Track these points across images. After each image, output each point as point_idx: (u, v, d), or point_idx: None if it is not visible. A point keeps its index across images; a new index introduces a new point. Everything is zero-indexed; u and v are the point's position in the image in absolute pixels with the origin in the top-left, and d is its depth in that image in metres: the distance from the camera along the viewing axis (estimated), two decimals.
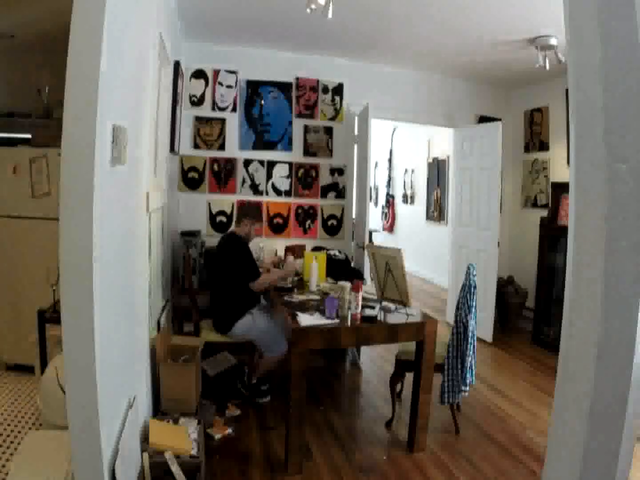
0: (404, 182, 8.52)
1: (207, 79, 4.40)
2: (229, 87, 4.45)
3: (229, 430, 2.74)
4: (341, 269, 3.76)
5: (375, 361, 4.12)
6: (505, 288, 5.01)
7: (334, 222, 4.81)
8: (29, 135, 4.02)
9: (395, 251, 2.74)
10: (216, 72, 4.42)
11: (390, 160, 9.07)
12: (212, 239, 4.22)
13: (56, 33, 2.23)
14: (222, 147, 4.48)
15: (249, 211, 3.31)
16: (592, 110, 1.16)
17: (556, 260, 4.44)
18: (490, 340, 4.59)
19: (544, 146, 5.08)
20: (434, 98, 5.09)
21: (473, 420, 3.05)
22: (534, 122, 5.21)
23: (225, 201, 4.51)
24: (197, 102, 4.39)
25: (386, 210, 9.20)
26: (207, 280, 3.84)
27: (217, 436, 2.67)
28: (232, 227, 3.29)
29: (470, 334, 2.73)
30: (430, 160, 7.51)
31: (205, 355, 3.15)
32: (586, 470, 1.18)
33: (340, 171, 4.78)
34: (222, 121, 4.46)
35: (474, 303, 2.77)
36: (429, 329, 2.58)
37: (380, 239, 8.79)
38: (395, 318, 2.65)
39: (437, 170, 7.26)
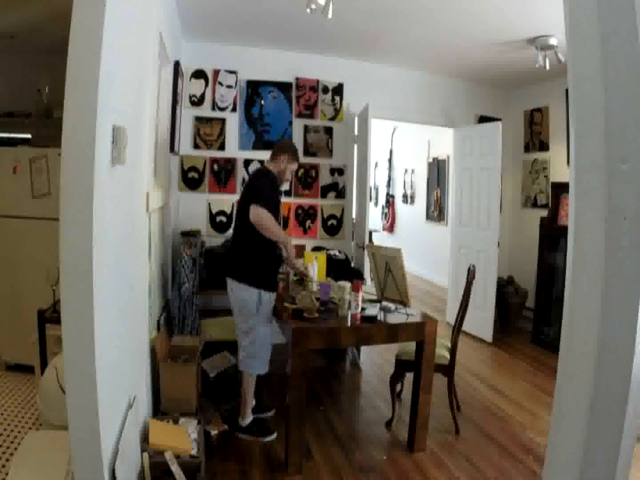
0: (404, 182, 8.52)
1: (207, 79, 4.40)
2: (229, 87, 4.45)
3: (226, 427, 2.73)
4: (341, 269, 3.76)
5: (375, 361, 4.12)
6: (505, 288, 5.00)
7: (334, 222, 4.80)
8: (29, 135, 4.03)
9: (395, 251, 2.74)
10: (216, 72, 4.41)
11: (390, 160, 9.07)
12: (212, 239, 4.23)
13: (56, 33, 2.23)
14: (222, 147, 4.48)
15: (289, 147, 2.86)
16: (592, 110, 1.16)
17: (556, 260, 4.44)
18: (490, 340, 4.59)
19: (544, 146, 5.08)
20: (434, 98, 5.09)
21: (473, 420, 3.05)
22: (534, 122, 5.21)
23: (226, 201, 4.50)
24: (197, 102, 4.39)
25: (386, 210, 9.20)
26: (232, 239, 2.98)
27: (214, 432, 2.64)
28: (264, 163, 2.88)
29: None
30: (430, 160, 7.51)
31: (205, 355, 3.14)
32: (586, 470, 1.18)
33: (340, 171, 4.77)
34: (222, 121, 4.46)
35: None
36: (429, 329, 2.58)
37: (380, 239, 8.79)
38: (395, 318, 2.65)
39: (437, 170, 7.26)
